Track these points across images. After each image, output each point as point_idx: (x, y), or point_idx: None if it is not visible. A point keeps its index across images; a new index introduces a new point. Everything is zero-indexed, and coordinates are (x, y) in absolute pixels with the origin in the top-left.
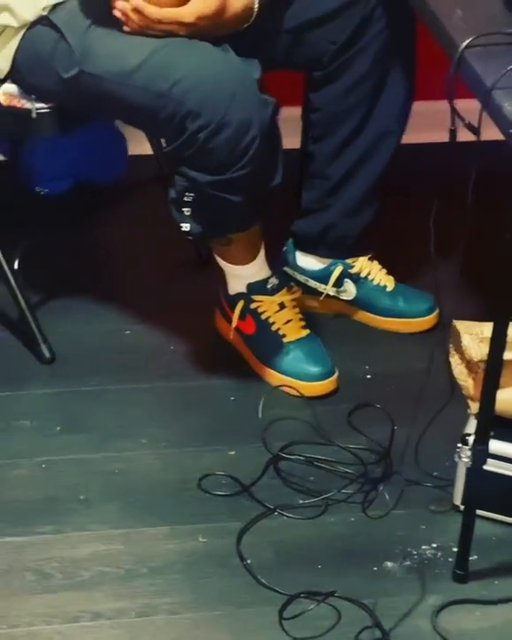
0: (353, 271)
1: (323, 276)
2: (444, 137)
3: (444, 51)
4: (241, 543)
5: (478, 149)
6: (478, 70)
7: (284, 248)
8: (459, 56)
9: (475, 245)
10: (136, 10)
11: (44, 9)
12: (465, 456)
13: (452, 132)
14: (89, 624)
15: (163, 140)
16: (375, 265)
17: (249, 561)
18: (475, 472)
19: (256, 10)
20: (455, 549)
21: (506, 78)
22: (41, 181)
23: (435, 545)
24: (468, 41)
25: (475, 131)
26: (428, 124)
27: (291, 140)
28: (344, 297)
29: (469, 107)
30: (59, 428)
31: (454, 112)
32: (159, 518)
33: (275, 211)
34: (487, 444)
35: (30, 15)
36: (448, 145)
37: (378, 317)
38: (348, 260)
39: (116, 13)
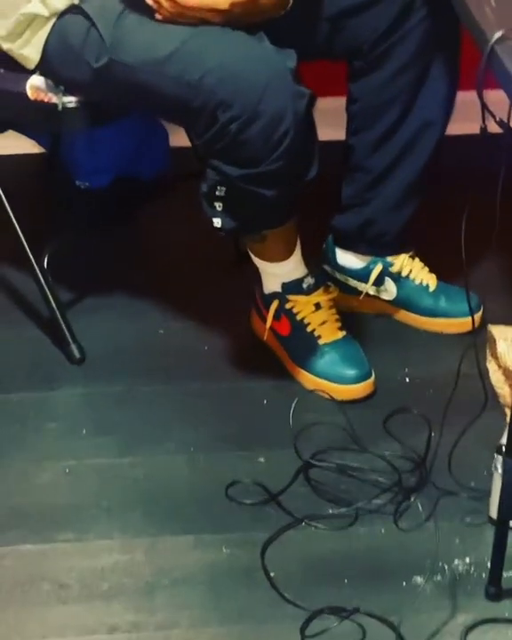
0: (393, 269)
1: (363, 275)
2: (476, 128)
3: (474, 42)
4: (265, 555)
5: (508, 145)
6: (508, 65)
7: (324, 245)
8: (489, 50)
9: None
10: None
11: None
12: (500, 467)
13: (483, 130)
14: (104, 637)
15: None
16: (417, 263)
17: (273, 574)
18: (509, 484)
19: None
20: (489, 565)
21: None
22: (81, 175)
23: (468, 560)
24: (498, 34)
25: (506, 127)
26: (460, 114)
27: (337, 131)
28: (384, 296)
29: (499, 97)
30: (85, 430)
31: (485, 108)
32: (183, 527)
33: (314, 207)
34: None
35: (61, 4)
36: (481, 139)
37: (419, 317)
38: (389, 258)
39: (148, 1)
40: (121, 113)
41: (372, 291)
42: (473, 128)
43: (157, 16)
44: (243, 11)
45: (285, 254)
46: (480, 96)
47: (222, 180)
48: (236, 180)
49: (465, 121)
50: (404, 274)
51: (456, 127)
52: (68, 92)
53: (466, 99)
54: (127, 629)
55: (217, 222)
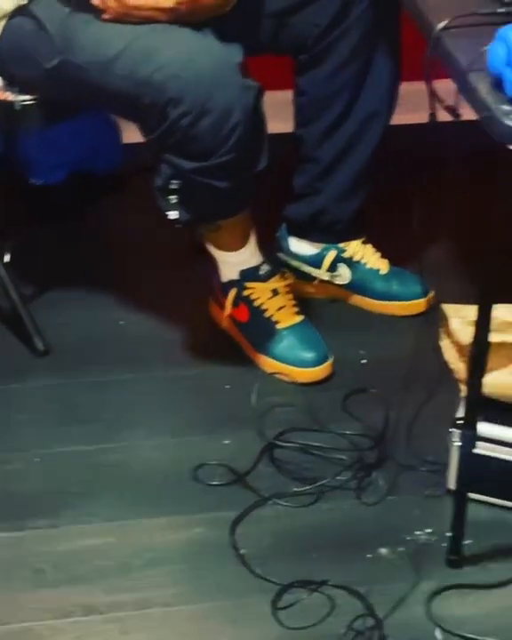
0: (346, 255)
1: (316, 261)
2: (426, 117)
3: (420, 32)
4: (235, 533)
5: (457, 130)
6: (454, 52)
7: (277, 233)
8: (435, 37)
9: (461, 226)
10: None
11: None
12: (456, 439)
13: (432, 115)
14: (82, 619)
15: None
16: (369, 248)
17: (243, 551)
18: (465, 455)
19: None
20: (449, 534)
21: (481, 60)
22: (36, 173)
23: (429, 530)
24: (444, 23)
25: (454, 113)
26: (409, 104)
27: (285, 123)
28: (338, 281)
29: (448, 87)
30: (55, 420)
31: (432, 94)
32: (155, 510)
33: (267, 196)
34: (475, 428)
35: (9, 5)
36: (429, 125)
37: (373, 301)
38: (341, 245)
39: (95, 2)
40: (76, 110)
41: (326, 276)
42: (423, 117)
43: (104, 16)
44: (188, 9)
45: (241, 243)
46: (428, 82)
47: (176, 173)
48: (189, 173)
49: (415, 111)
50: (356, 259)
51: (407, 117)
52: (22, 91)
53: (416, 88)
54: (104, 610)
55: (172, 214)
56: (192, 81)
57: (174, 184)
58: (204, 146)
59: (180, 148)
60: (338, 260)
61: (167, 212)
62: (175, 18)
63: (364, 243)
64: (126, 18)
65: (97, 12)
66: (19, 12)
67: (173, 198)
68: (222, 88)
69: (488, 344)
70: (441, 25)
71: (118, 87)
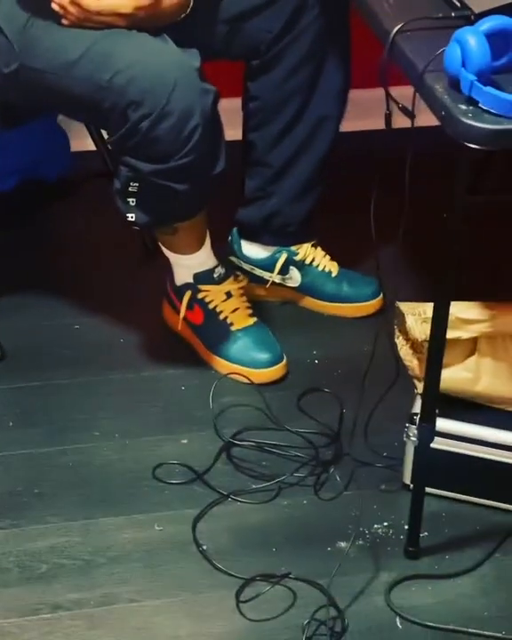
0: (297, 258)
1: (268, 264)
2: (381, 124)
3: (376, 37)
4: (197, 530)
5: (413, 133)
6: (410, 54)
7: (229, 237)
8: (390, 41)
9: (414, 229)
10: (74, 2)
11: None
12: (412, 435)
13: (387, 117)
14: (48, 616)
15: (105, 131)
16: (319, 251)
17: (205, 547)
18: (422, 450)
19: (192, 0)
20: (406, 527)
21: (437, 61)
22: None
23: (386, 523)
24: (399, 26)
25: (409, 114)
26: (366, 111)
27: (232, 131)
28: (290, 284)
29: (404, 93)
30: (11, 423)
31: (388, 96)
32: (115, 509)
33: (218, 201)
34: (434, 422)
35: None
36: (385, 131)
37: (324, 303)
38: (293, 248)
39: (55, 7)
40: (32, 115)
41: (277, 279)
42: (376, 124)
43: (64, 21)
44: (146, 14)
45: (196, 246)
46: (384, 85)
47: (135, 176)
48: (149, 176)
49: (369, 117)
50: (307, 262)
51: (362, 123)
52: None
53: (371, 95)
54: (69, 607)
55: (131, 217)
56: (152, 84)
57: (133, 186)
58: (164, 148)
59: (139, 151)
60: (289, 262)
61: (126, 215)
62: (134, 23)
63: (314, 246)
64: (86, 23)
65: (56, 17)
66: None
67: (132, 201)
68: (182, 91)
69: (445, 339)
70: (396, 28)
71: (78, 91)
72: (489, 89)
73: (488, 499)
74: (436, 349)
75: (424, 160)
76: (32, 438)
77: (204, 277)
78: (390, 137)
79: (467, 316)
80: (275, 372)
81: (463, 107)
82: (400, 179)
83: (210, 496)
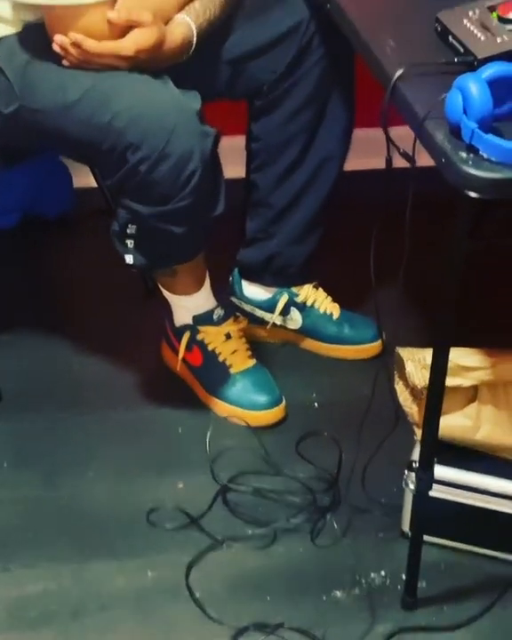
0: (298, 300)
1: (269, 306)
2: (382, 163)
3: (377, 80)
4: (190, 576)
5: (413, 177)
6: (411, 100)
7: (231, 278)
8: (392, 86)
9: (417, 269)
10: (75, 44)
11: None
12: (411, 482)
13: (388, 161)
14: None
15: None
16: (320, 293)
17: (198, 594)
18: (420, 498)
19: (195, 41)
20: (404, 576)
21: (438, 108)
22: None
23: (383, 572)
24: (400, 71)
25: (410, 159)
26: (367, 150)
27: (236, 168)
28: (291, 326)
29: (404, 134)
30: (6, 463)
31: (389, 141)
32: (108, 553)
33: (221, 240)
34: (432, 470)
35: None
36: (386, 172)
37: (325, 345)
38: (294, 289)
39: (55, 48)
40: (32, 155)
41: (278, 320)
42: (380, 164)
43: (65, 62)
44: (147, 56)
45: (195, 287)
46: (385, 130)
47: (133, 218)
48: (147, 218)
49: (371, 157)
50: (308, 303)
51: (363, 162)
52: None
53: (373, 135)
54: None
55: (129, 259)
56: (151, 127)
57: (131, 229)
58: (162, 191)
59: (138, 193)
60: (290, 304)
61: (124, 257)
62: (135, 65)
63: (316, 287)
64: (86, 64)
65: (57, 58)
66: None
67: (130, 243)
68: (181, 134)
69: (444, 386)
70: (398, 73)
71: (77, 133)
72: (490, 137)
73: (488, 549)
74: (435, 397)
75: (426, 200)
76: (26, 480)
77: (203, 319)
78: (392, 177)
79: (467, 362)
80: (273, 414)
81: (464, 154)
82: (401, 219)
83: (204, 541)
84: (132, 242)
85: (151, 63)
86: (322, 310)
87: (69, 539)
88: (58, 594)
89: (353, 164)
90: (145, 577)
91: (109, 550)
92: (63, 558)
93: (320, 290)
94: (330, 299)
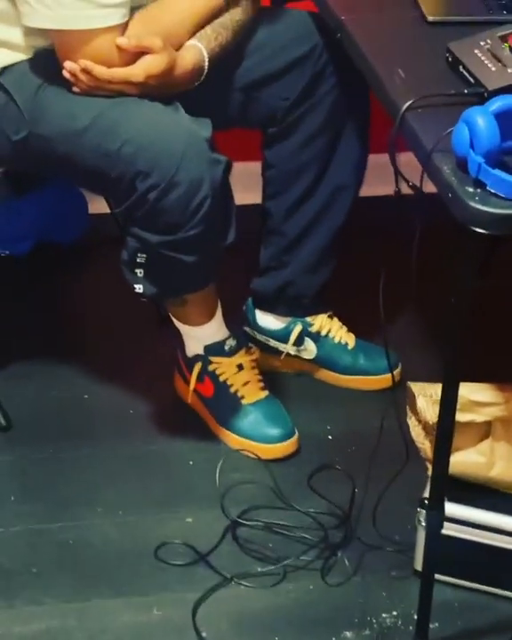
0: (313, 329)
1: (283, 336)
2: (390, 190)
3: (386, 111)
4: (197, 615)
5: (422, 208)
6: (419, 132)
7: (245, 307)
8: (400, 117)
9: (429, 300)
10: (85, 70)
11: None
12: (423, 520)
13: (397, 193)
14: None
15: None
16: (335, 322)
17: (204, 634)
18: (432, 537)
19: (206, 68)
20: (416, 617)
21: (445, 141)
22: (1, 243)
23: (395, 612)
24: (408, 103)
25: (418, 190)
26: (376, 176)
27: (253, 194)
28: (305, 356)
29: (413, 160)
30: (13, 497)
31: (398, 173)
32: (114, 590)
33: (235, 269)
34: (442, 508)
35: None
36: (395, 201)
37: (339, 375)
38: (308, 319)
39: (65, 74)
40: (43, 182)
41: (292, 351)
42: (389, 190)
43: (75, 89)
44: (158, 83)
45: (206, 318)
46: (393, 163)
47: (142, 247)
48: (156, 247)
49: (381, 183)
50: (323, 333)
51: (372, 189)
52: None
53: (381, 161)
54: None
55: (138, 288)
56: (160, 154)
57: (141, 257)
58: (172, 219)
59: (147, 222)
60: (304, 334)
61: (133, 286)
62: (145, 92)
63: (330, 317)
64: (97, 91)
65: (67, 84)
66: None
67: (140, 272)
68: (190, 162)
69: (454, 423)
70: (406, 104)
71: (86, 160)
72: (497, 171)
73: (503, 589)
74: (444, 433)
75: (438, 226)
76: (33, 513)
77: (214, 349)
78: (402, 203)
79: (480, 398)
80: (286, 447)
81: (470, 189)
82: (412, 247)
83: (212, 579)
84: (142, 271)
85: (162, 89)
86: (336, 340)
87: (75, 575)
88: (62, 631)
89: (362, 190)
90: (151, 614)
91: (115, 587)
92: (68, 595)
93: (335, 319)
94: (345, 328)
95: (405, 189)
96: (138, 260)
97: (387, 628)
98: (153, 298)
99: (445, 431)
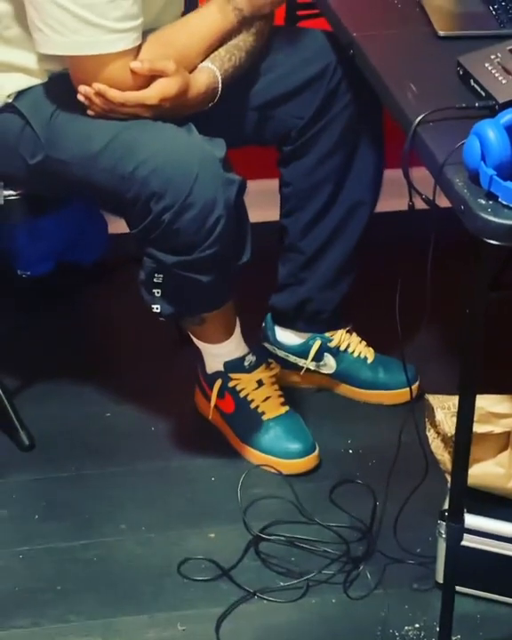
0: (332, 344)
1: (302, 351)
2: (405, 205)
3: (399, 126)
4: (220, 630)
5: (435, 221)
6: (431, 146)
7: (264, 323)
8: (412, 132)
9: (445, 313)
10: (99, 94)
11: (8, 96)
12: (444, 532)
13: (411, 207)
14: None
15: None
16: (354, 337)
17: None
18: (452, 549)
19: (220, 89)
20: (438, 629)
21: (457, 154)
22: (23, 264)
23: (417, 625)
24: (420, 117)
25: (431, 204)
26: (390, 191)
27: (271, 212)
28: (324, 371)
29: (426, 175)
30: (37, 516)
31: (411, 187)
32: (138, 607)
33: (254, 285)
34: (462, 519)
35: None
36: (409, 215)
37: (359, 390)
38: (327, 334)
39: (80, 98)
40: (60, 204)
41: (312, 366)
42: (404, 205)
43: (89, 112)
44: (172, 105)
45: (225, 335)
46: (406, 176)
47: (159, 267)
48: (172, 267)
49: (394, 198)
50: (342, 348)
51: (389, 203)
52: (6, 186)
53: (395, 177)
54: None
55: (156, 308)
56: (174, 176)
57: (158, 278)
58: (187, 240)
59: (162, 242)
60: (323, 349)
61: (151, 306)
62: (159, 114)
63: (349, 331)
64: (111, 114)
65: (82, 107)
66: (4, 108)
67: (157, 292)
68: (204, 182)
69: (472, 435)
70: (418, 119)
71: (102, 182)
72: (509, 184)
73: None
74: (462, 445)
75: (451, 241)
76: (57, 532)
77: (234, 366)
78: (415, 218)
79: (498, 409)
80: (307, 462)
81: (483, 202)
82: (426, 260)
83: (235, 594)
84: (159, 291)
85: (176, 111)
86: (356, 355)
87: (99, 592)
88: None
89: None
90: (175, 630)
91: (139, 603)
92: (93, 612)
93: (354, 334)
94: (364, 343)
95: (419, 204)
96: (155, 281)
97: None
98: (170, 317)
99: (463, 442)
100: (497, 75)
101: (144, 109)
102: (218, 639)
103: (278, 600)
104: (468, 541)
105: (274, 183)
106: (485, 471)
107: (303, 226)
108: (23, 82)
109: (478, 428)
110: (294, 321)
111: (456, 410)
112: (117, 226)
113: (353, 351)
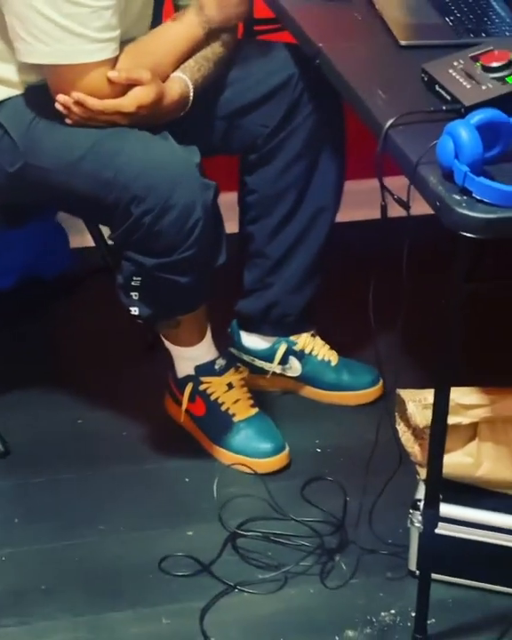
0: (297, 348)
1: (268, 355)
2: (377, 214)
3: (370, 130)
4: (204, 622)
5: (409, 222)
6: (403, 147)
7: (229, 329)
8: (384, 135)
9: (413, 315)
10: (78, 102)
11: None
12: (417, 521)
13: (383, 208)
14: None
15: (107, 228)
16: (318, 341)
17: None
18: (427, 536)
19: (191, 98)
20: (414, 614)
21: (430, 154)
22: None
23: (393, 611)
24: (391, 120)
25: (404, 205)
26: (362, 201)
27: (228, 224)
28: (290, 374)
29: (398, 184)
30: (17, 519)
31: (383, 188)
32: (123, 603)
33: (217, 293)
34: (437, 507)
35: None
36: (382, 218)
37: (324, 392)
38: (292, 338)
39: (58, 106)
40: (36, 213)
41: (278, 369)
42: (376, 214)
43: (68, 120)
44: (148, 112)
45: (198, 338)
46: (379, 177)
47: (138, 270)
48: (152, 270)
49: (368, 207)
50: (307, 351)
51: (359, 213)
52: None
53: (367, 186)
54: None
55: (134, 311)
56: (155, 180)
57: (136, 281)
58: (167, 242)
59: (142, 245)
60: (289, 353)
61: (129, 309)
62: (135, 121)
63: (313, 335)
64: (89, 122)
65: (60, 116)
66: None
67: (135, 295)
68: (184, 186)
69: (446, 424)
70: (389, 122)
71: (82, 188)
72: (481, 179)
73: (495, 584)
74: (438, 435)
75: (421, 247)
76: (38, 534)
77: (205, 369)
78: (387, 226)
79: (466, 401)
80: (277, 461)
81: (457, 197)
82: (398, 267)
83: (216, 587)
84: (137, 294)
85: (151, 119)
86: (320, 358)
87: (85, 590)
88: None
89: (349, 214)
90: (160, 624)
91: (124, 600)
92: (79, 610)
93: (317, 338)
94: (328, 346)
95: (393, 213)
96: (133, 284)
97: (386, 626)
98: (148, 319)
99: (439, 432)
100: (461, 80)
101: (121, 117)
102: (202, 631)
103: (258, 592)
104: (440, 529)
105: (230, 196)
106: (455, 461)
107: (270, 231)
108: (3, 93)
109: (448, 419)
110: (260, 325)
111: (427, 402)
112: (78, 240)
113: (317, 354)
